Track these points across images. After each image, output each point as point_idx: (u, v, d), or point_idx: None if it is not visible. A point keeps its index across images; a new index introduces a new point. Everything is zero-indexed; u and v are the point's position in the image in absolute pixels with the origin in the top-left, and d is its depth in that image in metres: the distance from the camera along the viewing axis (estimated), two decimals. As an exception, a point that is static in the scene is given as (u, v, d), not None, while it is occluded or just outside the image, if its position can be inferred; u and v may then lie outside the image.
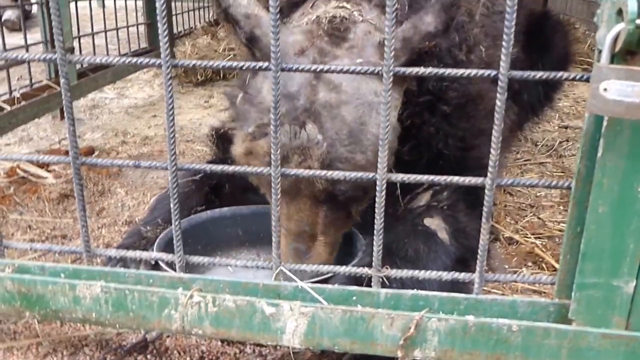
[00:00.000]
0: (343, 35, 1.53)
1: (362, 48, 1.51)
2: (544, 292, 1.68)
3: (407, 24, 1.45)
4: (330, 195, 1.49)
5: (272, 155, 1.07)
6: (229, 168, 1.13)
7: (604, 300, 1.05)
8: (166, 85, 1.00)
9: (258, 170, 1.13)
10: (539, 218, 2.13)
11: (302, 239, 1.51)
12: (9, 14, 6.23)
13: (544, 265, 1.79)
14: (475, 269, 1.12)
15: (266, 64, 1.04)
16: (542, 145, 3.17)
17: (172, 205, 1.14)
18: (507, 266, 1.78)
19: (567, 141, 3.25)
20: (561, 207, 2.25)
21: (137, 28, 4.49)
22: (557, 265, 1.73)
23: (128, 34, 4.28)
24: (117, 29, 4.02)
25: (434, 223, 1.69)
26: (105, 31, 3.83)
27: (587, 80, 0.99)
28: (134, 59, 1.06)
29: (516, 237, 1.96)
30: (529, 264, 1.81)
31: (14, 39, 3.72)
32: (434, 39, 1.40)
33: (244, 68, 1.12)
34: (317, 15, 1.58)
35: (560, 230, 2.01)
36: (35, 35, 3.48)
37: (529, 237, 1.95)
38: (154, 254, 1.25)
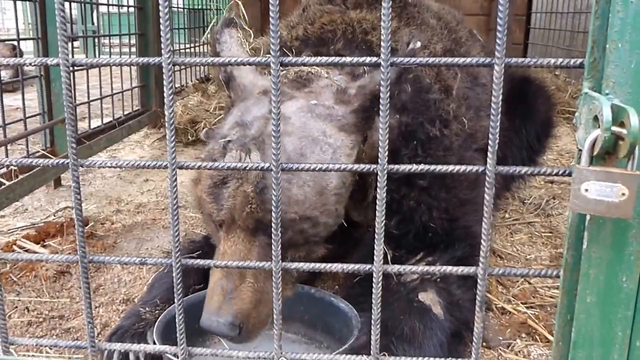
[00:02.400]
0: (304, 82, 1.68)
1: (320, 93, 1.64)
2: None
3: (365, 76, 1.64)
4: (263, 225, 1.49)
5: (273, 251, 1.11)
6: (232, 264, 1.17)
7: (597, 388, 1.08)
8: (171, 194, 1.05)
9: (259, 264, 1.17)
10: (529, 284, 2.17)
11: (230, 277, 1.49)
12: (2, 75, 6.34)
13: (537, 337, 1.81)
14: (469, 341, 1.15)
15: (267, 164, 1.10)
16: (529, 204, 3.23)
17: (176, 300, 1.16)
18: (501, 338, 1.80)
19: (554, 199, 3.31)
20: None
21: (132, 92, 4.61)
22: (550, 337, 1.77)
23: (123, 96, 4.38)
24: (112, 95, 4.11)
25: (428, 297, 1.71)
26: (101, 98, 3.92)
27: (569, 174, 1.04)
28: (141, 162, 1.11)
29: (508, 307, 1.98)
30: (523, 335, 1.83)
31: (7, 100, 3.75)
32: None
33: (247, 169, 1.17)
34: (286, 69, 1.75)
35: (551, 297, 2.04)
36: (30, 95, 3.53)
37: (521, 307, 1.98)
38: (157, 347, 1.28)
